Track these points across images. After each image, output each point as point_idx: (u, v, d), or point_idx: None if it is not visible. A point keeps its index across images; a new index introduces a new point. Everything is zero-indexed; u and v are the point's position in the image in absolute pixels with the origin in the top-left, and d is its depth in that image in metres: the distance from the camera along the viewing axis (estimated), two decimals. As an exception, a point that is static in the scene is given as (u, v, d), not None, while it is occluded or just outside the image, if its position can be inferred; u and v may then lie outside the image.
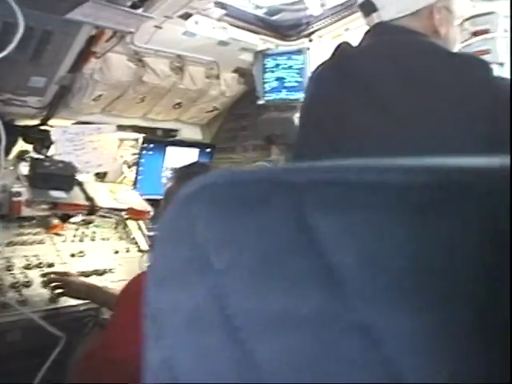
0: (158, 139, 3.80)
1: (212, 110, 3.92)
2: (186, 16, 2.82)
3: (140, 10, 2.44)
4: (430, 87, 1.53)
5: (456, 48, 1.85)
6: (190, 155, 3.78)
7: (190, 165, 2.13)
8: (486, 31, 2.70)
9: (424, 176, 0.28)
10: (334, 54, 1.81)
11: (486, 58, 2.54)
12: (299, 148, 1.87)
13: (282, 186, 0.31)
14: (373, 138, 1.57)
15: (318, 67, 1.87)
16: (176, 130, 3.96)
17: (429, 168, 0.28)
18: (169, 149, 3.70)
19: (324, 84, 1.77)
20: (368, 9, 1.75)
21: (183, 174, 2.04)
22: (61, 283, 2.59)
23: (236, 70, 3.70)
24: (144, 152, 3.58)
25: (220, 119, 4.17)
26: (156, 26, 2.83)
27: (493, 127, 1.49)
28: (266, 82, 3.54)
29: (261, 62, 3.52)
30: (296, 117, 3.29)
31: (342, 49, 1.79)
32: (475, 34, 2.73)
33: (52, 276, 2.65)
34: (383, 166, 0.29)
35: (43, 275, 2.74)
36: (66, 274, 2.74)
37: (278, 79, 3.48)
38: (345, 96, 1.65)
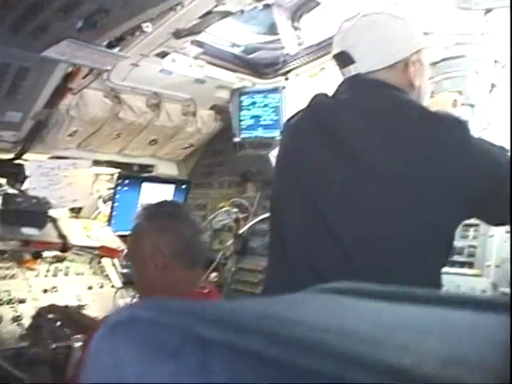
0: (133, 175, 3.79)
1: (188, 147, 3.94)
2: (163, 54, 2.85)
3: (116, 49, 2.46)
4: (408, 147, 1.55)
5: (428, 94, 1.88)
6: (166, 191, 3.78)
7: (159, 203, 2.11)
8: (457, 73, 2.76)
9: (352, 370, 0.27)
10: (310, 105, 1.83)
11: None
12: (275, 198, 1.87)
13: (192, 342, 0.32)
14: (349, 192, 1.59)
15: (293, 116, 1.88)
16: (152, 166, 3.97)
17: (358, 361, 0.27)
18: (144, 185, 3.68)
19: (301, 136, 1.78)
20: (345, 61, 1.76)
21: (152, 212, 2.03)
22: (61, 315, 2.53)
23: (212, 107, 3.73)
24: (119, 188, 3.56)
25: (196, 155, 4.19)
26: (133, 64, 2.85)
27: (470, 189, 1.53)
28: (242, 120, 3.56)
29: (237, 99, 3.56)
30: (272, 155, 3.32)
31: (319, 101, 1.80)
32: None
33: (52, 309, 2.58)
34: (294, 342, 0.29)
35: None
36: (66, 307, 2.67)
37: (253, 117, 3.51)
38: (322, 150, 1.66)
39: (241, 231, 3.52)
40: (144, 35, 2.50)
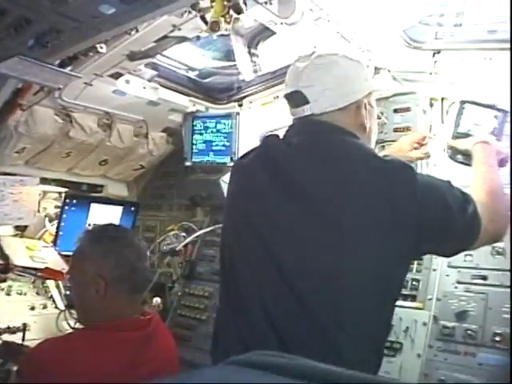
0: (81, 195, 3.73)
1: (139, 168, 3.91)
2: (117, 75, 2.82)
3: (68, 68, 2.42)
4: (360, 192, 1.56)
5: (376, 136, 1.90)
6: (115, 213, 3.72)
7: (103, 226, 2.08)
8: (407, 109, 2.82)
9: None
10: (262, 147, 1.83)
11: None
12: (225, 236, 1.86)
13: None
14: (302, 238, 1.59)
15: (244, 156, 1.88)
16: (102, 186, 3.91)
17: None
18: (93, 205, 3.62)
19: (253, 178, 1.77)
20: (298, 101, 1.75)
21: (96, 236, 2.00)
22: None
23: (165, 130, 3.72)
24: (66, 207, 3.49)
25: (147, 177, 4.17)
26: (86, 83, 2.82)
27: (421, 226, 1.55)
28: (194, 144, 3.55)
29: (190, 123, 3.55)
30: (222, 180, 3.32)
31: (271, 143, 1.80)
32: (396, 110, 2.85)
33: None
34: None
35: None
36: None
37: (205, 142, 3.51)
38: (274, 194, 1.67)
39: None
40: (98, 56, 2.48)
